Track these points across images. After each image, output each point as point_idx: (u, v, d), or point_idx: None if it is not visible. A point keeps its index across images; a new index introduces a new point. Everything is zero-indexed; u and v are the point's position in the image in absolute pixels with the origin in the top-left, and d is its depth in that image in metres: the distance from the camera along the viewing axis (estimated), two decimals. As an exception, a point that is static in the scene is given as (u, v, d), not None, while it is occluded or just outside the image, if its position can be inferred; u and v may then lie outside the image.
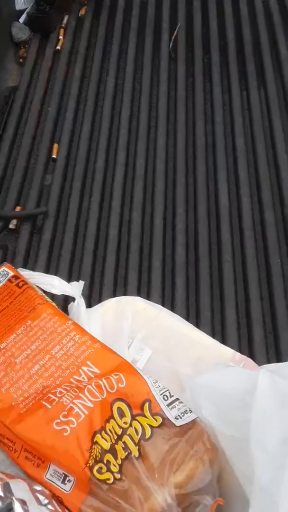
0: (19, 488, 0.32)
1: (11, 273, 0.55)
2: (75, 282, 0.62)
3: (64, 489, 0.39)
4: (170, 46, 1.05)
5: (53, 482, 0.39)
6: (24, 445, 0.40)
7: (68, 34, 1.06)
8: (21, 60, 1.04)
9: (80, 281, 0.62)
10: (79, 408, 0.41)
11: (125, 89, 0.97)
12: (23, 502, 0.31)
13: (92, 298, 0.70)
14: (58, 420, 0.40)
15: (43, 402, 0.42)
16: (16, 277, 0.55)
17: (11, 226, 0.79)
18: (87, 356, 0.46)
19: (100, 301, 0.68)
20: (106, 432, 0.40)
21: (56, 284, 0.60)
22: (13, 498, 0.30)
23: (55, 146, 0.89)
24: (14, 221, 0.79)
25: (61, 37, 1.06)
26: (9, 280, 0.54)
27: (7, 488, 0.32)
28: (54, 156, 0.87)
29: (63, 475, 0.39)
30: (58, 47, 1.05)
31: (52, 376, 0.45)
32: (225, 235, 0.76)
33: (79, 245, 0.77)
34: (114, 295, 0.70)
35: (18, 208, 0.81)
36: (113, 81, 0.99)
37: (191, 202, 0.81)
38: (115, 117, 0.93)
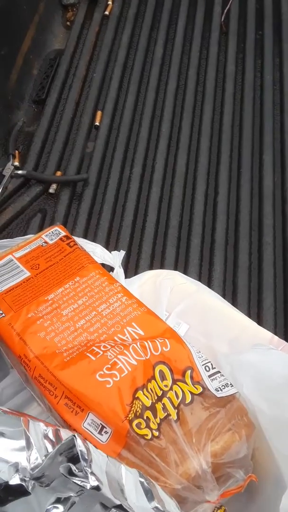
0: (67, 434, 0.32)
1: (63, 233, 0.55)
2: (115, 252, 0.61)
3: (100, 440, 0.38)
4: (222, 19, 1.01)
5: (90, 431, 0.39)
6: (65, 392, 0.40)
7: (117, 0, 1.03)
8: (68, 23, 1.02)
9: (121, 251, 0.62)
10: (122, 364, 0.41)
11: (172, 60, 0.94)
12: (82, 439, 0.31)
13: (128, 269, 0.70)
14: (102, 372, 0.40)
15: (87, 354, 0.42)
16: (67, 237, 0.55)
17: (51, 190, 0.78)
18: (133, 317, 0.46)
19: (136, 273, 0.67)
20: (147, 390, 0.40)
21: (98, 252, 0.59)
22: (75, 435, 0.30)
23: (99, 113, 0.87)
24: (54, 186, 0.78)
25: (109, 2, 1.03)
26: (60, 239, 0.55)
27: (57, 434, 0.32)
28: (97, 123, 0.86)
29: (101, 425, 0.39)
30: (107, 12, 1.02)
31: (97, 331, 0.45)
32: (267, 217, 0.74)
33: (118, 215, 0.76)
34: (151, 269, 0.69)
35: (58, 173, 0.80)
36: (161, 51, 0.96)
37: (234, 181, 0.79)
38: (161, 88, 0.91)
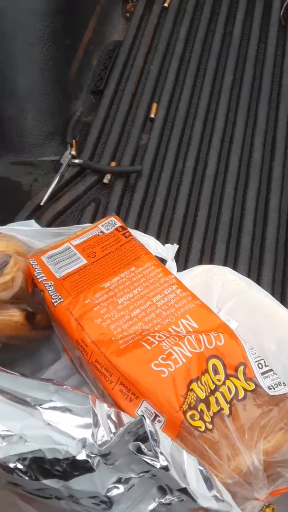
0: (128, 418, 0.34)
1: (119, 224, 0.57)
2: (168, 245, 0.62)
3: None
4: (281, 13, 1.00)
5: None
6: (121, 378, 0.42)
7: (177, -9, 1.03)
8: (127, 14, 1.03)
9: (174, 244, 0.63)
10: (177, 355, 0.42)
11: (230, 54, 0.94)
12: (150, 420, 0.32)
13: (178, 263, 0.71)
14: (157, 362, 0.41)
15: (142, 343, 0.43)
16: (123, 227, 0.56)
17: (105, 180, 0.80)
18: (187, 310, 0.47)
19: (185, 267, 0.68)
20: (201, 383, 0.41)
21: (151, 245, 0.61)
22: (144, 415, 0.31)
23: (154, 105, 0.88)
24: (108, 176, 0.80)
25: (169, -6, 1.03)
26: (116, 229, 0.56)
27: (119, 416, 0.34)
28: (152, 115, 0.87)
29: (154, 414, 0.40)
30: (166, 5, 1.02)
31: (151, 322, 0.46)
32: None
33: (169, 208, 0.77)
34: (200, 264, 0.70)
35: (113, 164, 0.82)
36: (219, 45, 0.96)
37: (287, 178, 0.79)
38: (217, 82, 0.91)
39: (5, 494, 0.48)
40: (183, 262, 0.71)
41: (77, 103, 0.90)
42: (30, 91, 0.81)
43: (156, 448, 0.31)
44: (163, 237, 0.74)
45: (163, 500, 0.33)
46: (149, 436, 0.31)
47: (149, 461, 0.31)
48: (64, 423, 0.34)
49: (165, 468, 0.31)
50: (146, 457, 0.31)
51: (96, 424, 0.33)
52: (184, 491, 0.31)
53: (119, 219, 0.58)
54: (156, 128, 0.85)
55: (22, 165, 0.83)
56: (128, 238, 0.55)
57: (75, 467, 0.32)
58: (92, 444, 0.31)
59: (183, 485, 0.31)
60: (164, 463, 0.30)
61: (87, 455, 0.31)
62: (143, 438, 0.31)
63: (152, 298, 0.48)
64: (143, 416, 0.32)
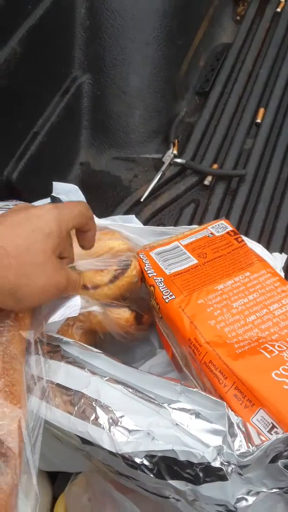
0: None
1: (230, 228, 0.56)
2: (277, 254, 0.60)
3: (269, 438, 0.38)
4: None
5: (258, 427, 0.38)
6: (237, 383, 0.40)
7: (291, -4, 1.01)
8: (238, 17, 1.02)
9: (283, 253, 0.60)
10: None
11: None
12: None
13: (278, 272, 0.68)
14: (278, 372, 0.39)
15: (261, 350, 0.41)
16: (234, 232, 0.55)
17: (205, 182, 0.79)
18: (308, 324, 0.45)
19: (286, 279, 0.65)
20: None
21: (258, 251, 0.59)
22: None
23: (261, 110, 0.86)
24: (209, 178, 0.79)
25: (282, 0, 1.01)
26: (227, 233, 0.55)
27: (246, 426, 0.32)
28: (258, 120, 0.85)
29: (271, 424, 0.38)
30: (278, 10, 1.00)
31: (268, 330, 0.44)
32: None
33: (272, 216, 0.74)
34: (302, 275, 0.67)
35: (214, 166, 0.81)
36: None
37: None
38: None
39: (99, 481, 0.48)
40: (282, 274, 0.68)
41: (182, 103, 0.90)
42: (140, 89, 0.82)
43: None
44: (263, 244, 0.69)
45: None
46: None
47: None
48: (193, 427, 0.33)
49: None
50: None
51: (232, 433, 0.32)
52: None
53: (229, 223, 0.56)
54: (262, 133, 0.83)
55: (123, 160, 0.84)
56: (241, 243, 0.54)
57: (208, 473, 0.30)
58: (230, 453, 0.30)
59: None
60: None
61: (221, 463, 0.30)
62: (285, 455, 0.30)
63: (269, 306, 0.46)
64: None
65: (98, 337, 0.52)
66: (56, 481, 0.53)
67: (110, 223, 0.59)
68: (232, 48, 0.95)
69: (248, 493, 0.31)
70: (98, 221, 0.56)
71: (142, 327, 0.53)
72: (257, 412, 0.39)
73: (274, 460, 0.30)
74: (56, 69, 0.80)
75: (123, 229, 0.58)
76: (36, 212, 0.39)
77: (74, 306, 0.43)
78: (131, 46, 0.80)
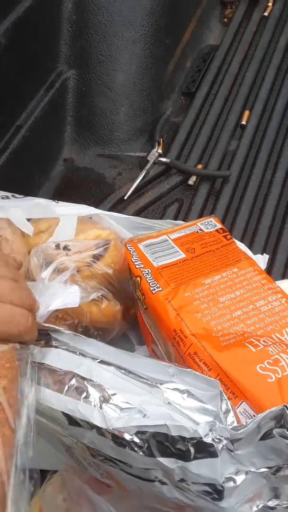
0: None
1: (219, 225, 0.56)
2: (259, 255, 0.60)
3: None
4: None
5: (241, 420, 0.38)
6: (221, 375, 0.40)
7: (278, 3, 1.02)
8: (225, 20, 1.02)
9: (265, 254, 0.61)
10: (285, 362, 0.40)
11: None
12: None
13: (260, 273, 0.68)
14: (262, 365, 0.39)
15: (246, 344, 0.41)
16: (223, 229, 0.55)
17: (190, 182, 0.79)
18: (293, 321, 0.45)
19: (268, 278, 0.65)
20: None
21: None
22: (286, 405, 0.29)
23: (246, 112, 0.86)
24: (193, 178, 0.79)
25: (269, 4, 1.02)
26: (216, 230, 0.55)
27: (232, 407, 0.32)
28: (243, 122, 0.85)
29: (253, 416, 0.38)
30: (266, 14, 1.01)
31: (254, 325, 0.44)
32: None
33: (255, 217, 0.75)
34: (284, 277, 0.68)
35: (199, 166, 0.81)
36: None
37: None
38: (314, 96, 0.88)
39: (75, 481, 0.47)
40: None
41: (168, 103, 0.89)
42: (126, 87, 0.82)
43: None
44: (246, 245, 0.71)
45: (269, 503, 0.31)
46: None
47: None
48: (185, 405, 0.32)
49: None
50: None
51: (226, 409, 0.32)
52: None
53: (218, 221, 0.56)
54: (246, 135, 0.83)
55: (108, 158, 0.83)
56: (230, 240, 0.54)
57: (199, 449, 0.30)
58: (223, 428, 0.29)
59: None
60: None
61: (213, 439, 0.29)
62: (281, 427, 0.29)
63: (255, 302, 0.46)
64: (286, 406, 0.30)
65: (80, 332, 0.51)
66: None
67: (100, 211, 0.58)
68: (219, 50, 0.96)
69: (236, 473, 0.30)
70: (88, 210, 0.55)
71: (128, 321, 0.53)
72: (240, 404, 0.39)
73: (264, 437, 0.30)
74: (41, 63, 0.79)
75: (111, 218, 0.58)
76: None
77: (74, 292, 0.42)
78: (118, 42, 0.79)
